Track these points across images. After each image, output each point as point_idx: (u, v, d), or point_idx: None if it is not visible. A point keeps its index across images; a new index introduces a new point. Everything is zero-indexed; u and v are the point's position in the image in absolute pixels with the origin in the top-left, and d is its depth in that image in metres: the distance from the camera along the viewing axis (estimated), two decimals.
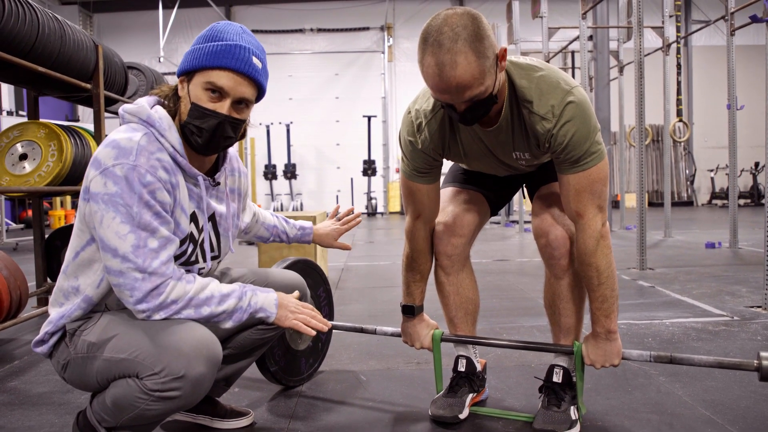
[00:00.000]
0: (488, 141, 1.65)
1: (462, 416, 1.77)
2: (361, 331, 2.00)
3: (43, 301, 3.57)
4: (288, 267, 2.06)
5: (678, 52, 6.87)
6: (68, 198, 11.75)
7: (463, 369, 1.87)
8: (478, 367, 1.91)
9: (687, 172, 16.85)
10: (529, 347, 1.81)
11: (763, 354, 1.51)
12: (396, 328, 1.95)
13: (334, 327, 2.04)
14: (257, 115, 16.36)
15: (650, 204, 15.53)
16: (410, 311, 1.87)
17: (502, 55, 1.42)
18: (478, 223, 1.88)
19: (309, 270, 2.18)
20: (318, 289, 2.23)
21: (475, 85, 1.37)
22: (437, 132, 1.65)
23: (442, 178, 1.85)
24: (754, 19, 3.13)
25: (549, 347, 1.77)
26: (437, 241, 1.83)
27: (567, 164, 1.55)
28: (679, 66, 6.74)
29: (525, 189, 1.97)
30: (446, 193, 1.93)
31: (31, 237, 4.16)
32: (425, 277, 1.87)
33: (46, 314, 3.64)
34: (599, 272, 1.60)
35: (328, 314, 2.29)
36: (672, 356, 1.62)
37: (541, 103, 1.51)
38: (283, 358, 2.03)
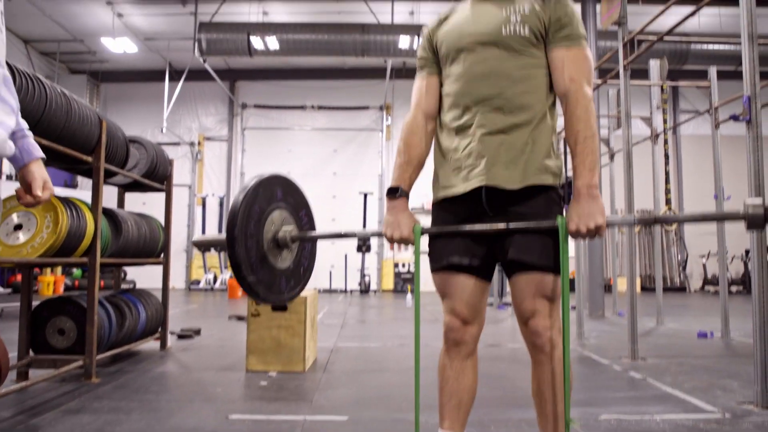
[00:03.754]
0: (476, 12, 1.84)
1: None
2: None
3: (23, 375, 3.50)
4: (265, 180, 1.97)
5: (666, 142, 7.08)
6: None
7: None
8: None
9: (679, 257, 16.95)
10: None
11: None
12: None
13: None
14: None
15: (643, 288, 15.52)
16: (394, 191, 1.86)
17: None
18: (484, 305, 1.87)
19: (290, 190, 2.11)
20: (300, 211, 2.15)
21: None
22: (442, 16, 1.94)
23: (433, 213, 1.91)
24: (735, 119, 3.27)
25: None
26: (449, 332, 1.82)
27: (562, 36, 1.75)
28: (667, 156, 6.93)
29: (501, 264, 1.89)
30: (444, 283, 1.86)
31: (18, 303, 4.12)
32: (413, 162, 1.89)
33: (25, 389, 3.54)
34: (587, 126, 1.70)
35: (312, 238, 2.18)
36: None
37: None
38: (261, 269, 1.93)
